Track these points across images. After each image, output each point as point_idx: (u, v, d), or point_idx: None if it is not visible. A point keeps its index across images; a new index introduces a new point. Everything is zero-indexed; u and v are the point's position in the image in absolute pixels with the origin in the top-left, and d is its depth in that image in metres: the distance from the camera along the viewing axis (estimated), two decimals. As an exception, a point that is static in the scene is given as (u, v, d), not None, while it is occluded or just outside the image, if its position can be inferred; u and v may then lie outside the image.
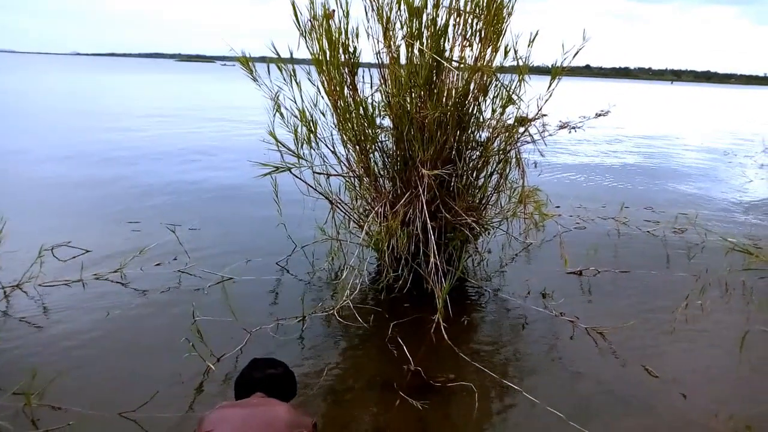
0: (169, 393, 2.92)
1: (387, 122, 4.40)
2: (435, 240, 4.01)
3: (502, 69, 4.31)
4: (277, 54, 4.03)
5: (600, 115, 4.89)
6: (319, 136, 4.27)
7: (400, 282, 4.29)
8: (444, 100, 4.17)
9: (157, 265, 4.71)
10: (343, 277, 4.30)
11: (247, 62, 4.06)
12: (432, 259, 3.96)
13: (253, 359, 2.37)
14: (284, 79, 4.06)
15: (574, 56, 4.16)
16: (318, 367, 3.28)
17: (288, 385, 2.32)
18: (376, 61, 4.31)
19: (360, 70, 4.32)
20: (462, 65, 4.19)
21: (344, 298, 3.97)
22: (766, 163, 12.40)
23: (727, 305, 4.46)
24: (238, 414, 2.02)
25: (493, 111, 4.40)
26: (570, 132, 4.87)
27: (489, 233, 4.88)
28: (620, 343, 3.71)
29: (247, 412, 2.03)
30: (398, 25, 4.11)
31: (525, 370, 3.43)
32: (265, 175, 4.06)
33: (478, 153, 4.52)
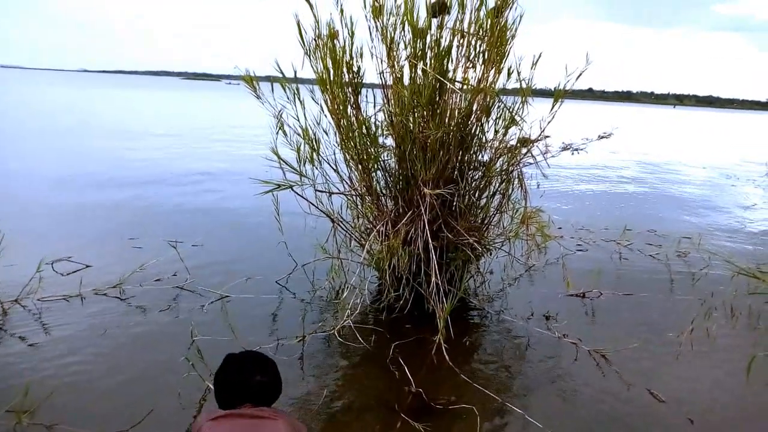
0: (166, 412, 2.88)
1: (389, 141, 4.41)
2: (436, 260, 3.98)
3: (505, 91, 4.32)
4: (281, 72, 4.05)
5: (602, 137, 4.90)
6: (321, 154, 4.27)
7: (401, 302, 4.26)
8: (447, 120, 4.17)
9: (157, 280, 4.68)
10: (344, 296, 4.27)
11: (251, 81, 4.07)
12: (433, 279, 3.93)
13: (231, 358, 2.13)
14: (288, 98, 4.08)
15: (577, 79, 4.17)
16: (318, 388, 3.24)
17: (277, 390, 2.16)
18: (380, 82, 4.33)
19: (363, 91, 4.34)
20: (465, 86, 4.21)
21: (345, 318, 3.93)
22: (769, 187, 12.40)
23: (733, 330, 4.40)
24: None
25: (496, 132, 4.40)
26: (573, 154, 4.88)
27: (491, 254, 4.85)
28: (624, 366, 3.65)
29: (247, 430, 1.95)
30: (402, 45, 4.14)
31: (527, 392, 3.37)
32: (267, 192, 4.06)
33: (480, 173, 4.51)
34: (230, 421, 1.95)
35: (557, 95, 4.24)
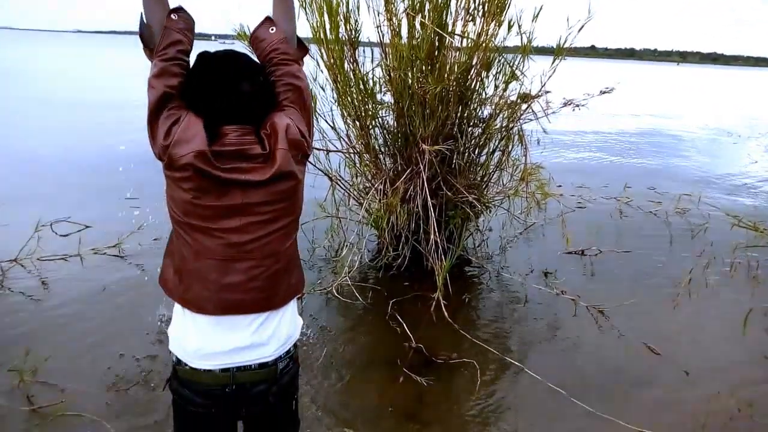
0: (164, 371, 2.90)
1: (388, 98, 4.32)
2: (435, 217, 3.96)
3: (506, 49, 4.22)
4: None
5: (604, 92, 4.80)
6: (318, 111, 4.19)
7: (400, 260, 4.26)
8: (446, 75, 4.08)
9: (155, 240, 4.67)
10: (343, 254, 4.27)
11: (246, 37, 3.95)
12: (432, 237, 3.92)
13: (207, 58, 1.51)
14: (283, 53, 3.97)
15: (579, 31, 4.06)
16: (318, 346, 3.26)
17: (271, 99, 1.54)
18: (378, 37, 4.22)
19: (361, 49, 4.22)
20: (464, 39, 4.10)
21: (343, 276, 3.94)
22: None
23: (731, 283, 4.42)
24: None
25: (496, 87, 4.32)
26: (574, 110, 4.78)
27: (490, 211, 4.83)
28: (622, 321, 3.68)
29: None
30: (399, -3, 4.02)
31: (526, 347, 3.41)
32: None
33: (480, 129, 4.44)
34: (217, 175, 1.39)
35: (559, 50, 4.14)
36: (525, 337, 3.53)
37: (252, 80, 1.48)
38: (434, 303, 3.55)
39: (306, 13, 4.05)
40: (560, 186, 6.66)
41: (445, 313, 3.49)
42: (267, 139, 1.47)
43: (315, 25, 4.05)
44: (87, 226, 4.91)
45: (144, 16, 1.50)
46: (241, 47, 3.92)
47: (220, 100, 1.44)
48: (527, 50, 4.11)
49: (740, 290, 4.30)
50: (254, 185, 1.43)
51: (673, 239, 5.42)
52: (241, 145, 1.43)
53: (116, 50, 59.88)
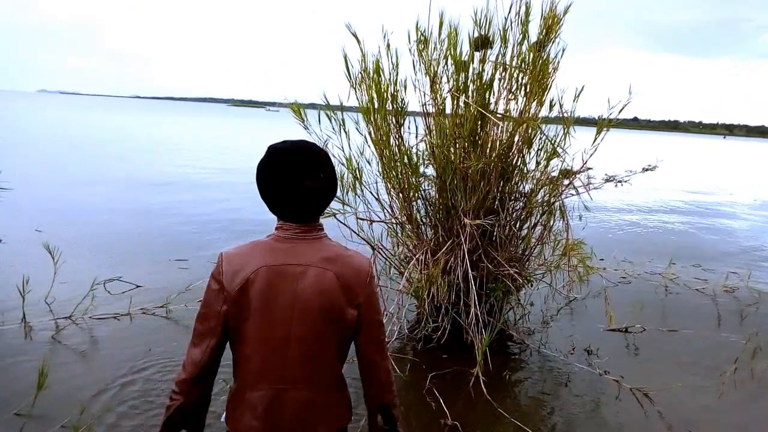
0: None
1: (430, 171, 4.46)
2: (476, 290, 3.98)
3: (547, 120, 4.33)
4: (328, 103, 4.17)
5: (647, 169, 4.83)
6: (364, 183, 4.36)
7: (439, 332, 4.25)
8: (488, 151, 4.21)
9: (200, 302, 4.80)
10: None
11: (299, 110, 4.18)
12: (473, 310, 3.92)
13: (275, 152, 1.56)
14: (333, 128, 4.19)
15: (620, 112, 4.16)
16: (354, 417, 3.25)
17: (332, 194, 1.61)
18: (422, 111, 4.42)
19: (406, 119, 4.42)
20: (506, 118, 4.24)
21: (382, 346, 3.95)
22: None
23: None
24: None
25: (537, 163, 4.41)
26: (616, 186, 4.82)
27: (532, 285, 4.81)
28: (666, 406, 3.55)
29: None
30: (445, 78, 4.23)
31: (567, 430, 3.31)
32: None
33: (521, 204, 4.51)
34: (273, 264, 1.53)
35: (600, 126, 4.22)
36: (566, 421, 3.43)
37: (313, 177, 1.52)
38: (473, 379, 3.52)
39: (357, 92, 4.29)
40: (603, 260, 6.61)
41: (484, 390, 3.45)
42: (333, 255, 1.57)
43: (364, 103, 4.28)
44: (138, 286, 5.11)
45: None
46: (288, 113, 4.16)
47: (280, 199, 1.53)
48: (569, 123, 4.20)
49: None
50: (305, 306, 1.51)
51: (721, 319, 5.25)
52: (296, 240, 1.55)
53: (193, 117, 63.05)
